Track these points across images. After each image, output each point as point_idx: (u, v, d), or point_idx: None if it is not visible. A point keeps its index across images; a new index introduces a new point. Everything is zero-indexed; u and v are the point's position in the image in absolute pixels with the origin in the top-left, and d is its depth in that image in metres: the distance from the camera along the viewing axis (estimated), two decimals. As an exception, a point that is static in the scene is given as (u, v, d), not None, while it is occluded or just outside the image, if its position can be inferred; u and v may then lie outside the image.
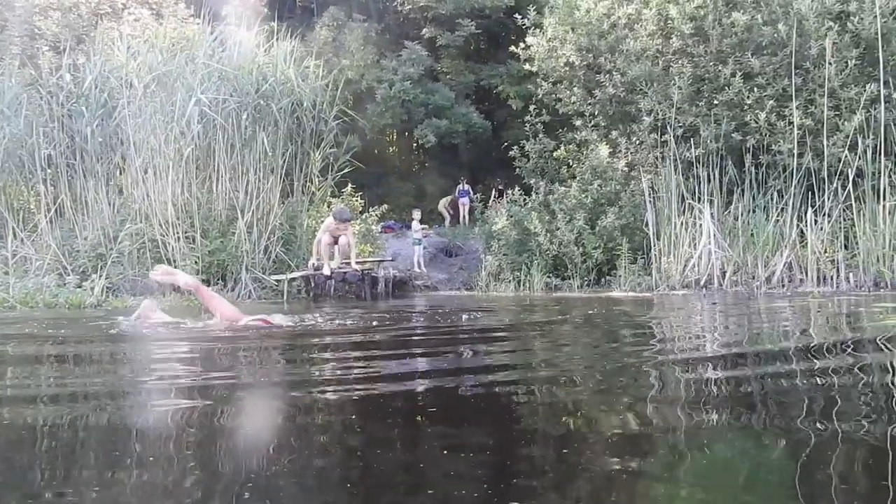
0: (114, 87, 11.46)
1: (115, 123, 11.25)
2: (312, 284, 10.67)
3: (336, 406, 2.40)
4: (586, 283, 11.79)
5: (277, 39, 12.43)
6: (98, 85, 11.53)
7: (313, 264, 10.42)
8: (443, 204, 22.39)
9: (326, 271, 10.23)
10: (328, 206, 12.39)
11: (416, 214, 16.11)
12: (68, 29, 14.85)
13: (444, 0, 22.66)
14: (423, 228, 15.91)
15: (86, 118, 11.34)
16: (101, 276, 9.93)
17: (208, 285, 10.49)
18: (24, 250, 11.05)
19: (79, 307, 8.78)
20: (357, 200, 14.59)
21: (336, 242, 10.38)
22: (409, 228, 16.44)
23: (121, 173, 11.60)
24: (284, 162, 11.81)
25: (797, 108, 10.18)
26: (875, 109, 9.79)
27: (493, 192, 19.16)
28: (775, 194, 10.48)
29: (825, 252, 9.70)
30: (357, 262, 10.66)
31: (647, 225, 11.36)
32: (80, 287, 9.61)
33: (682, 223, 10.90)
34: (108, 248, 10.79)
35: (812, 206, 10.04)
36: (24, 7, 15.17)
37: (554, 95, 13.83)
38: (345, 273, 10.46)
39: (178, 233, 10.78)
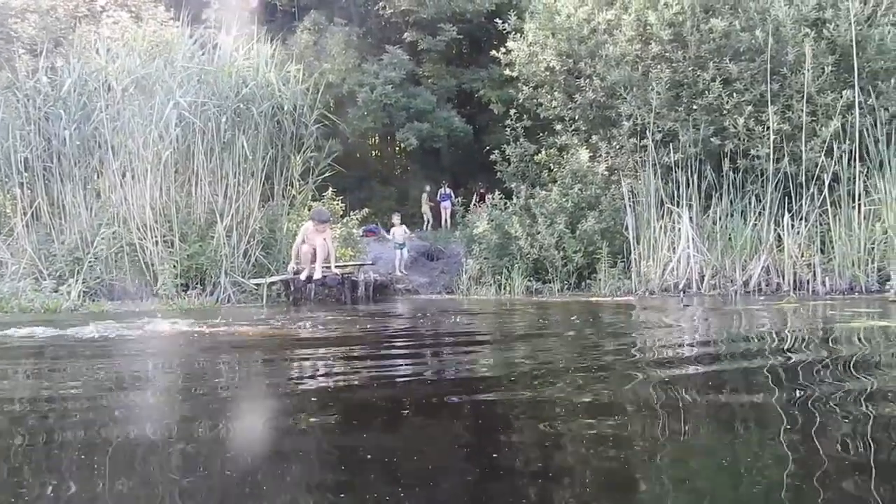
0: (92, 91, 11.35)
1: (92, 127, 11.14)
2: (292, 288, 10.61)
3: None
4: (566, 286, 11.83)
5: (258, 43, 12.38)
6: (77, 88, 11.41)
7: (293, 268, 10.36)
8: (425, 200, 22.48)
9: (304, 276, 10.15)
10: (308, 210, 12.34)
11: (396, 219, 16.07)
12: (45, 32, 14.68)
13: (425, 4, 22.66)
14: (408, 235, 15.92)
15: (63, 121, 11.22)
16: (77, 280, 9.83)
17: (186, 289, 10.46)
18: (-1, 255, 10.92)
19: (55, 311, 8.69)
20: (338, 204, 14.54)
21: (314, 254, 10.22)
22: (388, 232, 16.40)
23: (98, 177, 11.47)
24: (264, 166, 11.75)
25: (775, 113, 10.29)
26: (851, 115, 9.92)
27: (475, 195, 19.22)
28: (753, 199, 10.58)
29: (802, 256, 9.79)
30: (337, 266, 10.62)
31: (626, 229, 11.42)
32: (56, 291, 9.51)
33: (661, 227, 10.98)
34: (85, 252, 10.68)
35: (789, 211, 10.14)
36: (0, 10, 14.98)
37: (535, 100, 13.88)
38: (325, 277, 10.41)
39: (156, 237, 10.69)
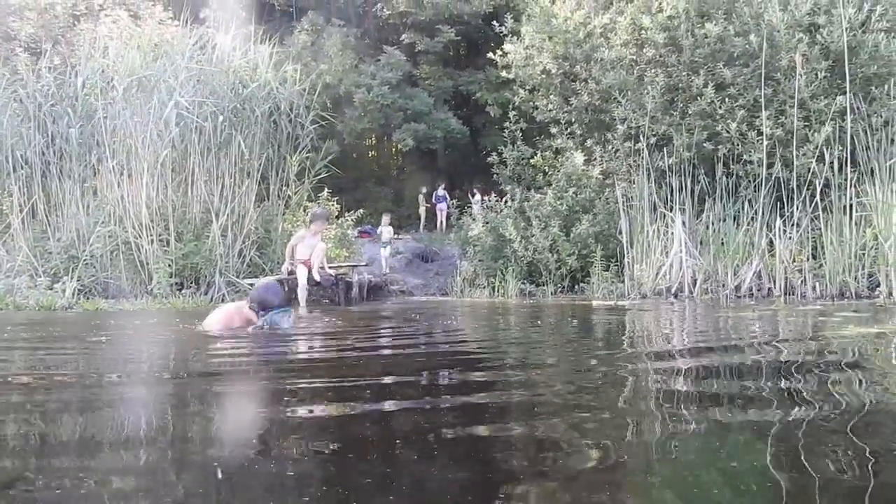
0: (97, 90, 11.38)
1: (92, 125, 11.18)
2: (286, 289, 10.63)
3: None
4: (560, 289, 11.89)
5: (256, 43, 12.43)
6: (85, 87, 11.47)
7: (287, 268, 10.40)
8: (421, 201, 22.63)
9: (303, 301, 9.99)
10: (304, 211, 12.39)
11: (386, 219, 16.40)
12: (44, 30, 14.70)
13: (423, 6, 22.76)
14: (393, 237, 16.30)
15: (68, 119, 11.30)
16: (72, 277, 9.86)
17: (181, 288, 10.49)
18: (-6, 251, 10.94)
19: (50, 309, 8.73)
20: (334, 205, 14.59)
21: (308, 266, 10.08)
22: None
23: (95, 175, 11.51)
24: (261, 166, 11.80)
25: (768, 118, 10.36)
26: (843, 121, 9.99)
27: (479, 196, 19.25)
28: (746, 204, 10.64)
29: (793, 261, 9.86)
30: (331, 267, 10.67)
31: (620, 232, 11.48)
32: (51, 289, 9.54)
33: (654, 231, 11.04)
34: (80, 250, 10.71)
35: (781, 216, 10.21)
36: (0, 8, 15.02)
37: (531, 103, 13.96)
38: (319, 278, 10.44)
39: (152, 235, 10.72)
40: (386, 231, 16.09)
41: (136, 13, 15.83)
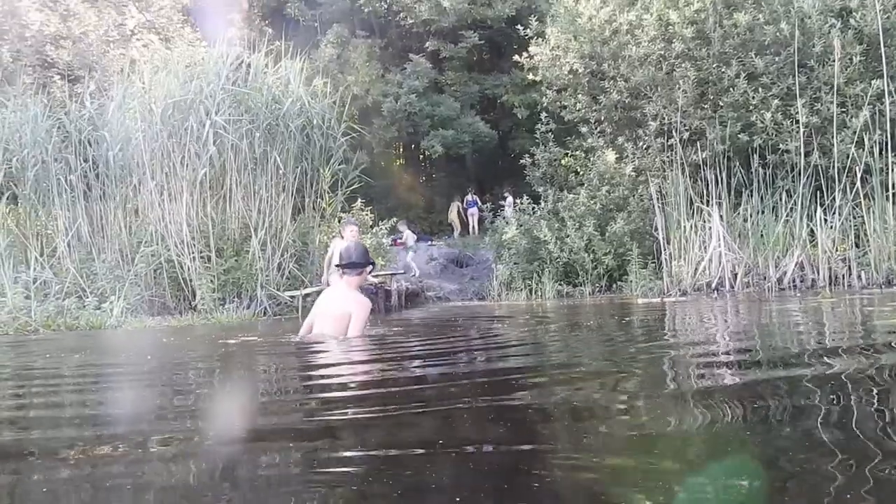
0: (135, 114, 11.63)
1: (132, 148, 11.43)
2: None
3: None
4: (598, 289, 11.85)
5: (284, 59, 12.60)
6: (122, 110, 11.75)
7: (326, 280, 10.51)
8: (454, 211, 22.66)
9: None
10: (338, 222, 12.51)
11: (403, 226, 16.67)
12: (79, 57, 15.08)
13: (446, 13, 22.83)
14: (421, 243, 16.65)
15: (108, 143, 11.57)
16: (119, 297, 10.08)
17: (224, 303, 10.66)
18: (44, 274, 11.21)
19: (99, 328, 8.93)
20: (367, 214, 14.71)
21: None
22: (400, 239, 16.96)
23: (136, 196, 11.77)
24: (295, 179, 11.95)
25: (803, 106, 10.23)
26: (881, 105, 9.82)
27: (510, 198, 19.24)
28: (784, 194, 10.51)
29: (836, 251, 9.71)
30: (374, 275, 10.80)
31: (656, 229, 11.40)
32: (99, 308, 9.77)
33: (691, 226, 10.94)
34: (125, 270, 10.95)
35: (821, 205, 10.06)
36: (36, 37, 15.42)
37: (559, 103, 13.95)
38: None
39: (193, 253, 10.91)
40: (409, 236, 16.38)
41: (166, 36, 16.16)
